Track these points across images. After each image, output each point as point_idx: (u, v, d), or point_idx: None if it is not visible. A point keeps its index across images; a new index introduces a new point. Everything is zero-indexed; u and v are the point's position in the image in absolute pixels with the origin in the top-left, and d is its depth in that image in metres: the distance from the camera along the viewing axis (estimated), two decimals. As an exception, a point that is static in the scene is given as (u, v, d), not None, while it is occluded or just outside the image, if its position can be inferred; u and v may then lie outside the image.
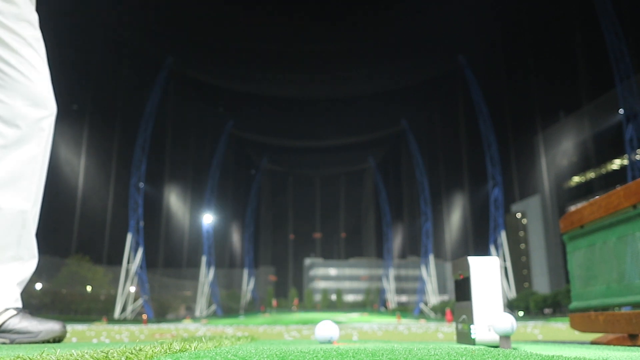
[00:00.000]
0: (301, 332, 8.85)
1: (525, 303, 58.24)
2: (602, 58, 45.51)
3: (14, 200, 1.84)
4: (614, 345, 2.20)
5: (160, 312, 74.21)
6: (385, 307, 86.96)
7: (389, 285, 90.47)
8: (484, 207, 65.99)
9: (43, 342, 1.84)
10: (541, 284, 73.16)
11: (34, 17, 1.97)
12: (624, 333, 2.18)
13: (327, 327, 1.62)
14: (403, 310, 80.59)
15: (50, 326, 1.88)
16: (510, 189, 73.18)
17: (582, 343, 2.46)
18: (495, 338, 1.68)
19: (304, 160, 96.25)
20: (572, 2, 52.86)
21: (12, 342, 1.81)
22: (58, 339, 1.90)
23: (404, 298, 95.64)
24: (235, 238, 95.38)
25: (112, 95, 63.43)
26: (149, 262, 67.42)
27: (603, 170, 59.97)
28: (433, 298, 76.07)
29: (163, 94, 64.31)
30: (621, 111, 43.73)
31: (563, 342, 2.60)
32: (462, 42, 66.06)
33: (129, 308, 62.30)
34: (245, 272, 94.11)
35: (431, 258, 76.80)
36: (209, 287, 75.96)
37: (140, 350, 0.96)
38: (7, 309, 1.84)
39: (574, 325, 2.67)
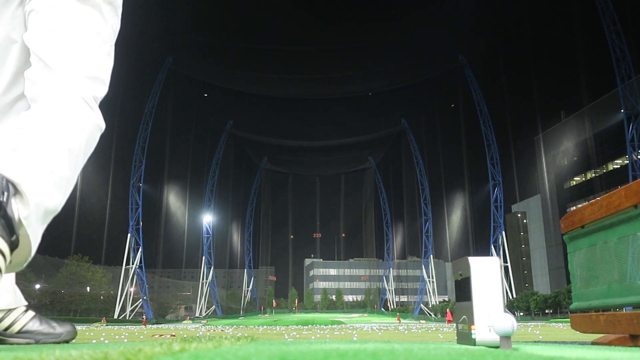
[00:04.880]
0: (301, 332, 8.84)
1: (526, 303, 58.24)
2: (603, 58, 45.49)
3: None
4: (615, 345, 2.19)
5: (160, 312, 74.22)
6: (386, 308, 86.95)
7: (389, 286, 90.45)
8: (484, 208, 65.96)
9: (64, 342, 1.99)
10: (542, 285, 73.12)
11: None
12: (625, 334, 2.18)
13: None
14: (403, 310, 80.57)
15: (68, 328, 2.03)
16: (511, 189, 73.18)
17: (583, 344, 2.46)
18: (495, 338, 1.67)
19: (304, 160, 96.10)
20: (573, 1, 52.82)
21: (37, 342, 1.90)
22: (71, 340, 2.05)
23: (404, 298, 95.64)
24: (235, 238, 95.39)
25: (111, 95, 63.38)
26: (149, 263, 67.42)
27: (604, 170, 59.95)
28: (433, 298, 76.05)
29: (163, 94, 64.33)
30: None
31: (564, 343, 2.60)
32: (462, 42, 65.99)
33: (129, 308, 62.29)
34: (245, 272, 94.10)
35: (431, 258, 76.79)
36: (209, 287, 75.94)
37: (139, 350, 0.96)
38: (26, 310, 1.89)
39: (574, 326, 2.66)
